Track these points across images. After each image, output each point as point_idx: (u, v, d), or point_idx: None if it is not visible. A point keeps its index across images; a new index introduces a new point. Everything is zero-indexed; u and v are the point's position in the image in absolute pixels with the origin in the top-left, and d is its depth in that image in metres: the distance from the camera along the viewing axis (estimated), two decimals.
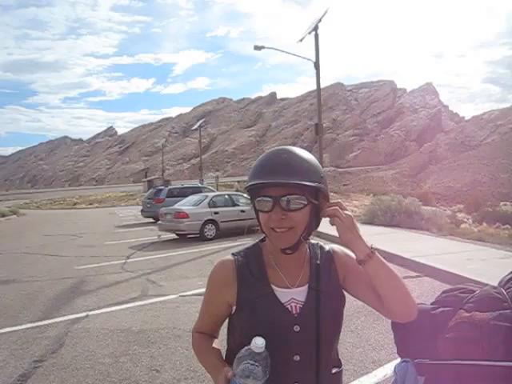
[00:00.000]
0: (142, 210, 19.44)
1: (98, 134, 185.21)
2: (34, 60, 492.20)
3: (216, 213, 12.43)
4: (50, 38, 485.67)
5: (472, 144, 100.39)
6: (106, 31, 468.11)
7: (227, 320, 1.25)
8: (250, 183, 1.12)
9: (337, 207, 1.11)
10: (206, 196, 13.38)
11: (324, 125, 15.22)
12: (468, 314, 1.12)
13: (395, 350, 1.28)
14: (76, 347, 4.19)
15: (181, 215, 12.06)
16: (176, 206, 13.04)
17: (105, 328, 4.74)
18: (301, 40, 13.75)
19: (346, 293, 1.23)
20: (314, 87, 14.35)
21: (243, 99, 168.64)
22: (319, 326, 1.13)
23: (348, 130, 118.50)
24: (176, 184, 23.73)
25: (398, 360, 1.27)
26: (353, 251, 1.13)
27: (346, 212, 1.11)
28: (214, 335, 1.29)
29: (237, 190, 23.95)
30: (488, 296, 1.15)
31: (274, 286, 1.17)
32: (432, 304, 1.23)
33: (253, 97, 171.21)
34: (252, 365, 0.99)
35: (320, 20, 12.87)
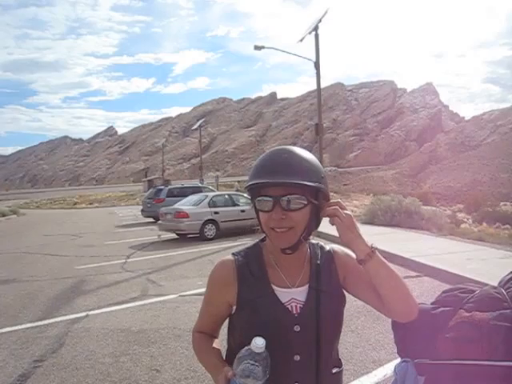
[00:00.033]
0: (142, 210, 19.44)
1: (98, 134, 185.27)
2: (34, 60, 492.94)
3: (216, 213, 12.42)
4: (50, 37, 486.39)
5: (472, 144, 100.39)
6: (106, 31, 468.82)
7: (227, 320, 1.25)
8: (250, 183, 1.12)
9: (337, 207, 1.11)
10: (206, 196, 13.37)
11: (324, 125, 15.23)
12: (468, 314, 1.12)
13: (395, 350, 1.28)
14: (76, 347, 4.19)
15: (181, 215, 12.06)
16: (176, 206, 13.04)
17: (105, 328, 4.74)
18: (301, 40, 13.76)
19: (346, 293, 1.23)
20: (314, 87, 14.35)
21: (243, 99, 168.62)
22: (319, 325, 1.14)
23: (348, 130, 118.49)
24: (176, 184, 23.71)
25: (398, 360, 1.27)
26: (353, 251, 1.13)
27: (346, 211, 1.11)
28: (214, 335, 1.29)
29: (237, 190, 23.95)
30: (488, 296, 1.15)
31: (274, 286, 1.17)
32: (432, 304, 1.23)
33: (253, 97, 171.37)
34: (252, 365, 0.99)
35: (320, 20, 12.88)
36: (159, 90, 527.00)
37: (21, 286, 7.05)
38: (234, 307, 1.18)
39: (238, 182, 48.74)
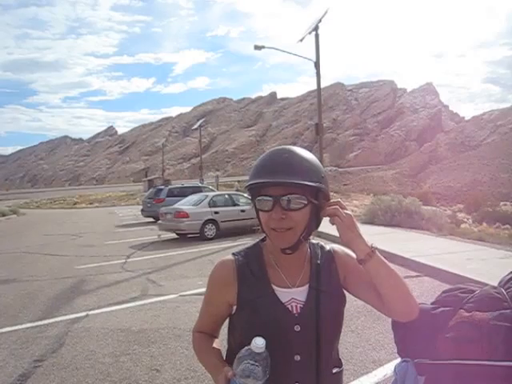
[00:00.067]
0: (142, 210, 19.44)
1: (98, 134, 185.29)
2: (34, 59, 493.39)
3: (216, 212, 12.42)
4: (51, 37, 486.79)
5: (472, 144, 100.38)
6: (107, 31, 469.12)
7: (228, 320, 1.25)
8: (250, 182, 1.13)
9: (337, 206, 1.11)
10: (206, 196, 13.37)
11: (324, 125, 15.23)
12: (468, 314, 1.12)
13: (395, 350, 1.28)
14: (76, 347, 4.19)
15: (181, 215, 12.06)
16: (176, 206, 13.03)
17: (105, 327, 4.74)
18: (301, 40, 13.76)
19: (346, 293, 1.23)
20: (315, 87, 14.35)
21: (243, 99, 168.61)
22: (320, 325, 1.13)
23: (348, 130, 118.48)
24: (176, 184, 23.71)
25: (398, 360, 1.27)
26: (353, 250, 1.13)
27: (346, 211, 1.11)
28: (214, 335, 1.29)
29: (237, 190, 23.96)
30: (488, 296, 1.15)
31: (274, 286, 1.17)
32: (432, 304, 1.23)
33: (253, 96, 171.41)
34: (252, 365, 0.99)
35: (320, 20, 12.88)
36: (159, 90, 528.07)
37: (21, 285, 7.05)
38: (234, 307, 1.18)
39: (238, 181, 48.75)
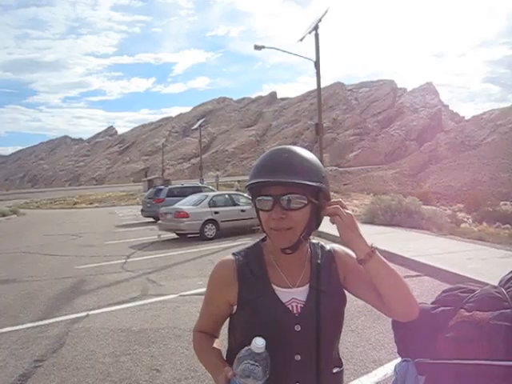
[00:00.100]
0: (142, 210, 19.43)
1: (98, 134, 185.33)
2: (34, 59, 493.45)
3: (216, 212, 12.42)
4: (50, 37, 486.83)
5: (472, 144, 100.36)
6: (106, 31, 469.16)
7: (228, 320, 1.25)
8: (250, 182, 1.13)
9: (338, 206, 1.11)
10: (206, 196, 13.37)
11: (324, 124, 15.23)
12: (468, 314, 1.12)
13: (395, 350, 1.28)
14: (76, 347, 4.19)
15: (181, 215, 12.05)
16: (176, 206, 13.03)
17: (105, 327, 4.74)
18: (301, 39, 13.76)
19: (346, 292, 1.23)
20: (315, 87, 14.34)
21: (243, 99, 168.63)
22: (320, 325, 1.13)
23: (348, 130, 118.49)
24: (176, 183, 23.70)
25: (399, 359, 1.27)
26: (353, 250, 1.13)
27: (347, 211, 1.11)
28: (214, 335, 1.29)
29: (237, 190, 23.97)
30: (488, 295, 1.15)
31: (274, 286, 1.17)
32: (432, 303, 1.23)
33: (253, 96, 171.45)
34: (252, 365, 0.99)
35: (320, 20, 12.87)
36: (159, 90, 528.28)
37: (21, 285, 7.05)
38: (235, 307, 1.18)
39: (238, 181, 48.71)
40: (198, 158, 60.20)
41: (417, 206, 12.36)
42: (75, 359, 3.87)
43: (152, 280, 7.12)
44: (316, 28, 13.04)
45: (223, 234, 12.30)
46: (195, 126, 41.44)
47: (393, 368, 1.31)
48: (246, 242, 8.81)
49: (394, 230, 11.06)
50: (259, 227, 1.18)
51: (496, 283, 1.24)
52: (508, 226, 13.97)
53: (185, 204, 13.14)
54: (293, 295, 1.16)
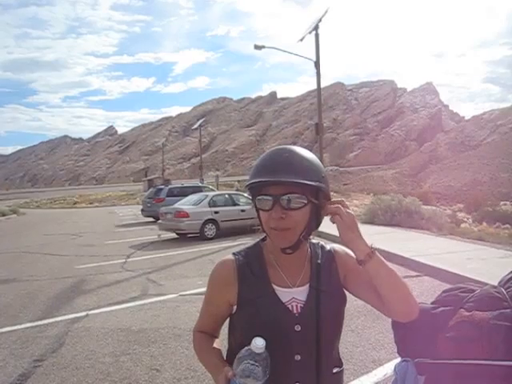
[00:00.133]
0: (142, 210, 19.45)
1: (99, 134, 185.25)
2: (34, 59, 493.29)
3: (216, 212, 12.42)
4: (50, 36, 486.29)
5: (472, 144, 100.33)
6: (106, 30, 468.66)
7: (228, 320, 1.25)
8: (250, 181, 1.13)
9: (339, 205, 1.11)
10: (206, 195, 13.37)
11: (324, 124, 15.24)
12: (468, 314, 1.12)
13: (395, 350, 1.28)
14: (76, 346, 4.19)
15: (181, 214, 12.06)
16: (176, 206, 13.04)
17: (105, 327, 4.74)
18: (301, 39, 13.76)
19: (346, 292, 1.23)
20: (315, 87, 14.34)
21: (243, 99, 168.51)
22: (320, 325, 1.13)
23: (348, 130, 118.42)
24: (176, 183, 23.70)
25: (399, 359, 1.27)
26: (353, 251, 1.13)
27: (348, 211, 1.11)
28: (214, 335, 1.29)
29: (237, 190, 23.98)
30: (488, 295, 1.15)
31: (274, 286, 1.17)
32: (432, 303, 1.23)
33: (253, 96, 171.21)
34: (252, 365, 0.99)
35: (320, 20, 12.87)
36: (159, 90, 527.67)
37: (21, 285, 7.05)
38: (235, 307, 1.18)
39: (238, 181, 48.70)
40: (198, 158, 60.20)
41: (417, 206, 12.37)
42: (75, 359, 3.87)
43: (152, 280, 7.12)
44: (316, 28, 13.05)
45: (223, 233, 12.30)
46: (195, 126, 41.47)
47: (392, 368, 1.31)
48: (246, 241, 8.81)
49: (393, 230, 11.06)
50: (259, 227, 1.18)
51: (496, 283, 1.24)
52: (508, 226, 13.96)
53: (185, 204, 13.14)
54: (293, 295, 1.16)
